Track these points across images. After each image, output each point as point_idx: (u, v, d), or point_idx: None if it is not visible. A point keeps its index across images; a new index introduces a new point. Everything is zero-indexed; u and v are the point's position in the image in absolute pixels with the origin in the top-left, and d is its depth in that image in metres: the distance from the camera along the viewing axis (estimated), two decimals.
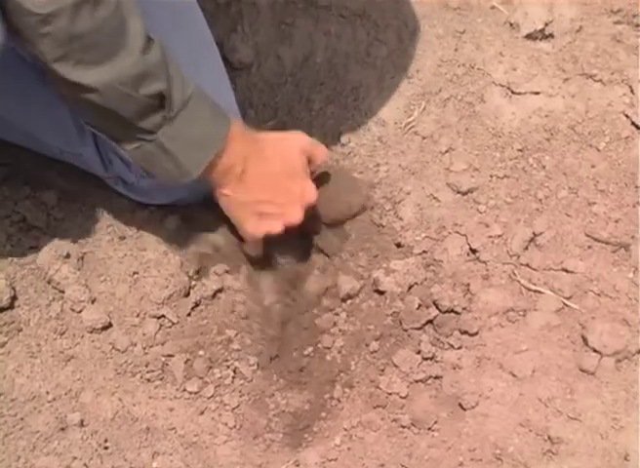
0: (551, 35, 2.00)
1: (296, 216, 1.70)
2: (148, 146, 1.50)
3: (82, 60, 1.39)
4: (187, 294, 1.77)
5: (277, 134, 1.77)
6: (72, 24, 1.36)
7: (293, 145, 1.72)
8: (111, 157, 1.79)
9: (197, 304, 1.77)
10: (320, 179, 1.79)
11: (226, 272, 1.80)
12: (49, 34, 1.36)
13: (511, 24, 2.01)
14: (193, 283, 1.78)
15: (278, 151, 1.70)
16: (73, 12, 1.35)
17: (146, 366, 1.68)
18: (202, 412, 1.66)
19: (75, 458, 1.52)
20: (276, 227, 1.70)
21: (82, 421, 1.58)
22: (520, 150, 1.89)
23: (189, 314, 1.75)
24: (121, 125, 1.49)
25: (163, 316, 1.74)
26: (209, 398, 1.68)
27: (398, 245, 1.84)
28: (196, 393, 1.67)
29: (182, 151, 1.51)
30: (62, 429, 1.56)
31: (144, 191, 1.82)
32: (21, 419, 1.56)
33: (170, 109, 1.46)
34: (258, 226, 1.71)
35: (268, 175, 1.67)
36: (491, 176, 1.88)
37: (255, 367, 1.72)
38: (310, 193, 1.71)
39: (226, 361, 1.71)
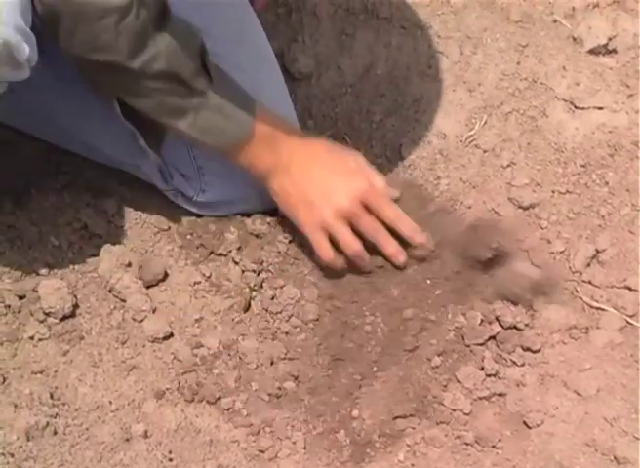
0: (614, 50, 1.98)
1: (343, 203, 1.69)
2: (202, 113, 1.60)
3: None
4: (248, 306, 1.74)
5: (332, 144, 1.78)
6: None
7: (348, 153, 1.75)
8: (172, 171, 1.81)
9: (258, 314, 1.76)
10: None
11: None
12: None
13: (574, 39, 2.00)
14: (254, 294, 1.75)
15: (330, 150, 1.74)
16: None
17: (207, 377, 1.66)
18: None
19: None
20: (326, 213, 1.69)
21: (146, 432, 1.57)
22: (583, 166, 1.88)
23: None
24: (178, 93, 1.58)
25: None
26: None
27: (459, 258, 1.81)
28: None
29: (231, 105, 1.62)
30: (127, 440, 1.56)
31: (204, 204, 1.84)
32: (87, 429, 1.56)
33: (210, 68, 1.60)
34: (309, 214, 1.71)
35: (315, 167, 1.71)
36: (553, 192, 1.87)
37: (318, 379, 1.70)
38: (365, 185, 1.71)
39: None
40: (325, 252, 1.73)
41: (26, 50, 1.44)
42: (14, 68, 1.45)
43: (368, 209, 1.72)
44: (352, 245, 1.72)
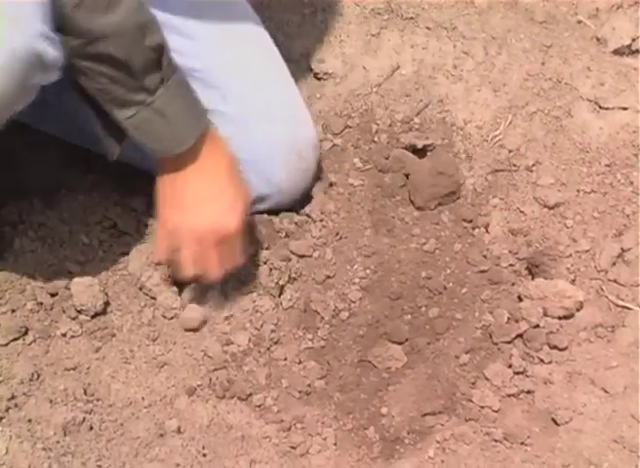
0: (638, 50, 1.99)
1: (203, 230, 1.68)
2: (145, 112, 1.55)
3: (94, 9, 1.46)
4: (277, 304, 1.76)
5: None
6: None
7: (240, 189, 1.72)
8: None
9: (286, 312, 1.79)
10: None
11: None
12: None
13: (598, 39, 2.02)
14: (282, 292, 1.77)
15: (231, 175, 1.71)
16: None
17: (238, 374, 1.68)
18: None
19: (178, 465, 1.53)
20: (185, 226, 1.69)
21: (179, 428, 1.59)
22: (608, 165, 1.89)
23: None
24: (126, 83, 1.53)
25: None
26: None
27: (485, 257, 1.83)
28: None
29: (178, 116, 1.57)
30: (161, 435, 1.57)
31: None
32: (121, 425, 1.58)
33: (166, 69, 1.54)
34: (171, 215, 1.70)
35: (208, 182, 1.68)
36: (578, 191, 1.88)
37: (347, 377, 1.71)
38: (234, 219, 1.70)
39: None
40: (161, 254, 1.74)
41: (53, 53, 1.46)
42: (44, 72, 1.48)
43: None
44: (187, 270, 1.72)
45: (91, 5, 1.46)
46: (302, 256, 1.83)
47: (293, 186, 1.87)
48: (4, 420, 1.51)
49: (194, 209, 1.67)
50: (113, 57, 1.51)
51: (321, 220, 1.85)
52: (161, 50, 1.54)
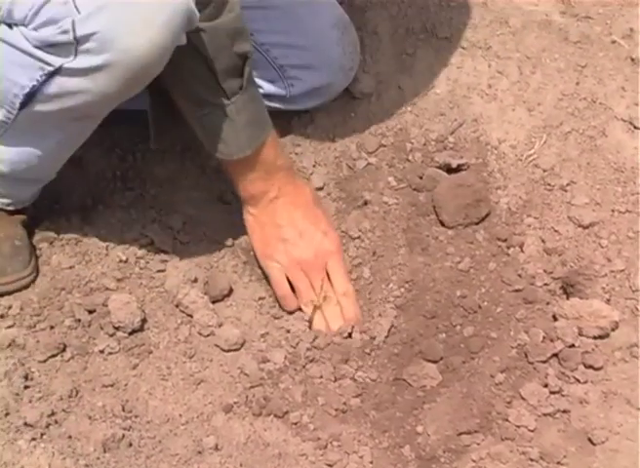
0: None
1: (307, 253, 1.79)
2: (218, 113, 1.63)
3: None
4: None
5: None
6: None
7: (325, 211, 1.85)
8: (259, 82, 1.86)
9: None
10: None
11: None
12: None
13: (632, 59, 2.03)
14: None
15: (315, 202, 1.83)
16: None
17: (274, 391, 1.68)
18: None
19: None
20: (292, 256, 1.78)
21: (217, 445, 1.60)
22: None
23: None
24: (207, 82, 1.61)
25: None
26: None
27: (520, 276, 1.83)
28: None
29: (243, 124, 1.65)
30: (199, 452, 1.58)
31: (298, 98, 1.97)
32: (160, 442, 1.58)
33: (246, 79, 1.62)
34: (275, 251, 1.79)
35: (297, 213, 1.79)
36: (612, 211, 1.88)
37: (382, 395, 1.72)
38: (334, 245, 1.81)
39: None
40: (285, 290, 1.81)
41: (197, 14, 1.50)
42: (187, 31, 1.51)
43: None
44: (306, 296, 1.80)
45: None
46: None
47: (349, 59, 1.96)
48: (45, 436, 1.52)
49: (293, 238, 1.77)
50: (202, 52, 1.57)
51: (358, 237, 1.85)
52: (246, 59, 1.61)
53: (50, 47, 1.45)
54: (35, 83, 1.48)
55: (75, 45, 1.42)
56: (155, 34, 1.43)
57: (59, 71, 1.47)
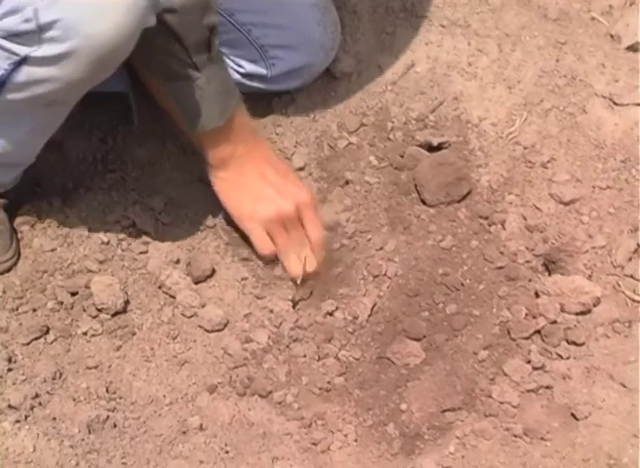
0: None
1: (288, 207, 1.79)
2: (188, 87, 1.64)
3: None
4: (297, 301, 1.77)
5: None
6: None
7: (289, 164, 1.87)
8: (239, 62, 1.92)
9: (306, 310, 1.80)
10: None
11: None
12: None
13: (612, 36, 2.02)
14: (300, 290, 1.78)
15: (278, 157, 1.86)
16: None
17: (258, 371, 1.69)
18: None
19: (202, 462, 1.54)
20: (269, 210, 1.78)
21: (201, 425, 1.60)
22: (623, 161, 1.90)
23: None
24: (178, 56, 1.60)
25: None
26: None
27: (502, 253, 1.84)
28: None
29: (215, 95, 1.66)
30: (184, 433, 1.59)
31: (280, 78, 1.96)
32: (144, 423, 1.59)
33: (213, 50, 1.62)
34: (252, 210, 1.79)
35: (266, 168, 1.79)
36: (593, 187, 1.89)
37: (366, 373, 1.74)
38: (306, 195, 1.81)
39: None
40: (267, 246, 1.82)
41: None
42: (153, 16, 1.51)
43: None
44: (287, 248, 1.82)
45: None
46: None
47: (330, 39, 1.95)
48: (29, 418, 1.53)
49: (265, 194, 1.78)
50: (174, 30, 1.56)
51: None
52: (214, 30, 1.60)
53: (14, 36, 1.44)
54: (3, 72, 1.48)
55: (39, 33, 1.42)
56: (120, 18, 1.42)
57: (25, 60, 1.46)
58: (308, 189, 1.85)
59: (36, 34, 1.43)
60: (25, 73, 1.48)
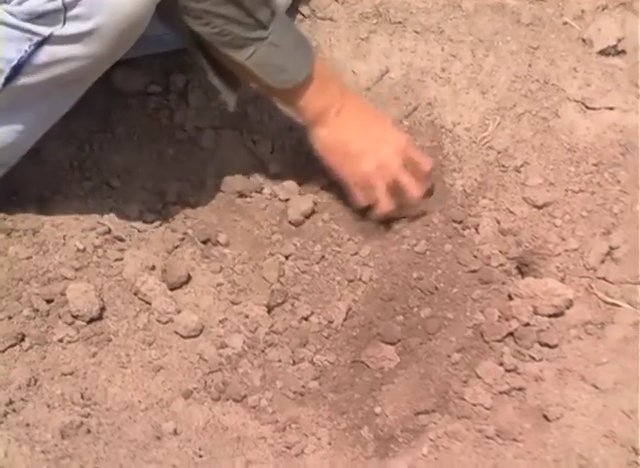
0: (624, 51, 2.02)
1: (390, 157, 1.82)
2: (263, 48, 1.64)
3: None
4: (272, 306, 1.78)
5: None
6: None
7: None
8: None
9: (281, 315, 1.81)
10: None
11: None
12: None
13: (584, 40, 2.04)
14: (277, 296, 1.79)
15: (373, 107, 1.88)
16: None
17: (233, 376, 1.70)
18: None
19: (174, 466, 1.55)
20: (371, 165, 1.81)
21: (175, 430, 1.61)
22: (595, 165, 1.92)
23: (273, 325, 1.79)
24: (242, 20, 1.61)
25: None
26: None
27: (475, 257, 1.85)
28: None
29: (292, 46, 1.68)
30: (158, 438, 1.59)
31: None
32: (118, 428, 1.59)
33: (271, 4, 1.63)
34: (356, 166, 1.82)
35: (364, 119, 1.82)
36: (566, 191, 1.90)
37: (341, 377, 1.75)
38: (404, 139, 1.84)
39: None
40: (368, 200, 1.85)
41: None
42: None
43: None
44: (387, 206, 1.85)
45: None
46: (294, 259, 1.84)
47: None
48: (2, 425, 1.53)
49: (366, 148, 1.81)
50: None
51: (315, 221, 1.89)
52: None
53: (38, 18, 1.46)
54: (23, 54, 1.49)
55: (64, 11, 1.44)
56: None
57: (47, 40, 1.48)
58: (405, 134, 1.88)
59: (61, 13, 1.45)
60: (47, 53, 1.50)
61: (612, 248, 1.82)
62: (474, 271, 1.85)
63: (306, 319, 1.80)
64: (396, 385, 1.74)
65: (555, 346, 1.73)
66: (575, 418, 1.62)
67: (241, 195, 1.92)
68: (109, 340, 1.71)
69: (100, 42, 1.48)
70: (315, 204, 1.92)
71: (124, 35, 1.50)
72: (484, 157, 1.95)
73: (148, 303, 1.76)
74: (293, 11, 2.05)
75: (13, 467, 1.44)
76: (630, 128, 1.92)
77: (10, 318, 1.68)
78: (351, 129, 1.81)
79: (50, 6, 1.44)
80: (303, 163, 1.97)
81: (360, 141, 1.81)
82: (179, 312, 1.75)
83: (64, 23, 1.46)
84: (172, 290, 1.79)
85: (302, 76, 1.71)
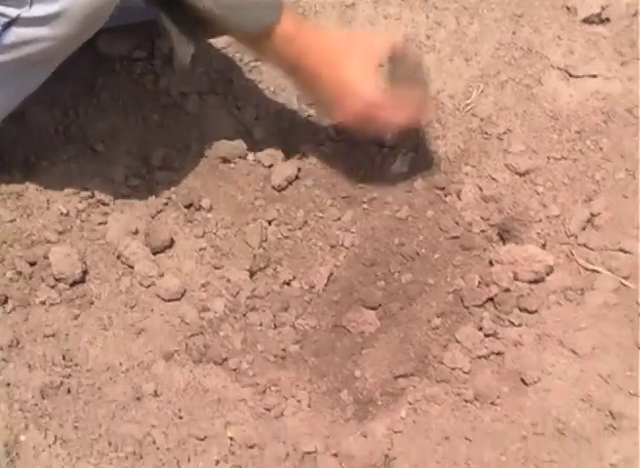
0: (608, 19, 2.02)
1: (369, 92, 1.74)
2: None
3: None
4: (254, 271, 1.79)
5: None
6: None
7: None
8: None
9: (263, 280, 1.82)
10: None
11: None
12: None
13: (568, 8, 2.04)
14: (259, 260, 1.80)
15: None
16: None
17: (214, 339, 1.71)
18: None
19: (154, 426, 1.56)
20: (357, 104, 1.74)
21: (156, 391, 1.62)
22: (578, 132, 1.92)
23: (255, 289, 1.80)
24: None
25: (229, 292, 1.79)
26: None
27: (457, 223, 1.86)
28: None
29: None
30: (138, 398, 1.61)
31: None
32: (99, 389, 1.61)
33: None
34: (341, 106, 1.75)
35: (344, 40, 1.76)
36: (548, 158, 1.91)
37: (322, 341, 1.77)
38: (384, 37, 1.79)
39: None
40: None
41: None
42: None
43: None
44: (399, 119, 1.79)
45: None
46: (276, 224, 1.85)
47: None
48: None
49: (347, 84, 1.74)
50: None
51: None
52: None
53: None
54: None
55: None
56: None
57: (15, 22, 1.48)
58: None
59: None
60: (15, 34, 1.50)
61: (593, 215, 1.82)
62: (456, 237, 1.86)
63: (288, 283, 1.80)
64: (376, 349, 1.74)
65: (535, 312, 1.74)
66: (552, 382, 1.64)
67: (225, 161, 1.91)
68: (91, 303, 1.72)
69: (66, 24, 1.48)
70: (299, 170, 1.90)
71: (90, 17, 1.49)
72: (467, 124, 1.95)
73: (131, 267, 1.76)
74: None
75: None
76: (613, 95, 1.93)
77: None
78: (334, 41, 1.75)
79: None
80: (287, 129, 1.96)
81: (352, 71, 1.74)
82: (161, 276, 1.76)
83: (31, 5, 1.46)
84: (154, 253, 1.80)
85: (271, 20, 1.65)
